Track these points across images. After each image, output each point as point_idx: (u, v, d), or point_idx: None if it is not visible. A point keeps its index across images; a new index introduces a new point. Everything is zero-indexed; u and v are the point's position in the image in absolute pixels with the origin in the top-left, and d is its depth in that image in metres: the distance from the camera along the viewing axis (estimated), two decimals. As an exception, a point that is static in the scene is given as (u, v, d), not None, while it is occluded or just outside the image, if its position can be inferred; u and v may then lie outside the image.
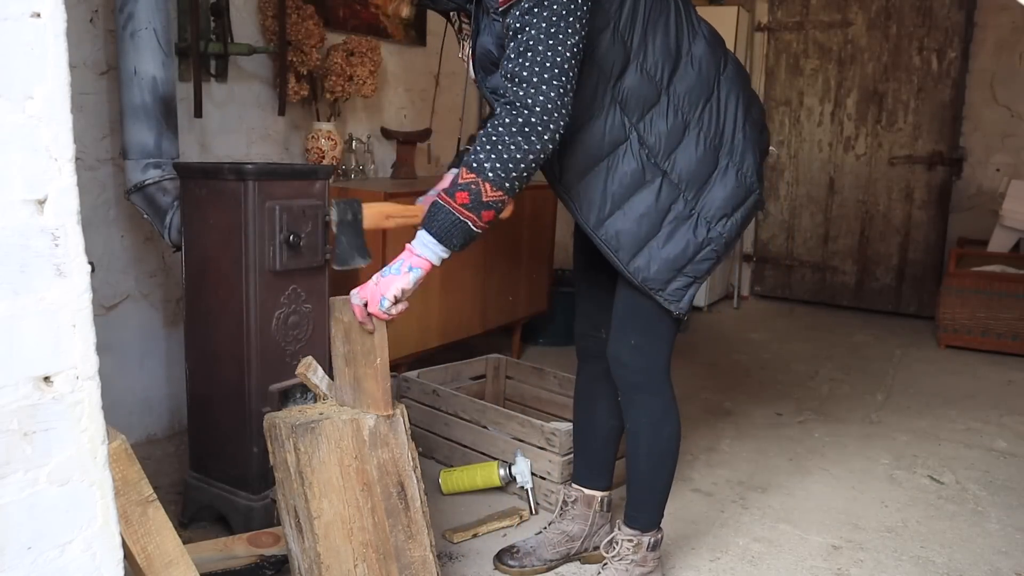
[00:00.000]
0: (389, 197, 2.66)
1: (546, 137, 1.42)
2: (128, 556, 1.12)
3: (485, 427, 2.43)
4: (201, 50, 2.48)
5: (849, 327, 4.62)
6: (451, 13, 1.67)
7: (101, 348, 0.88)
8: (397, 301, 1.46)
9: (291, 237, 1.92)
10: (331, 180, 2.19)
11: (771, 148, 1.77)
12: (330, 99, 2.96)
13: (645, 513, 1.83)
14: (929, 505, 2.42)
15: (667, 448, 1.80)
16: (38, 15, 0.79)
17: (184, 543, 1.22)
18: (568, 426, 2.27)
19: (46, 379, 0.84)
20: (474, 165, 1.43)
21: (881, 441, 2.89)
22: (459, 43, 1.71)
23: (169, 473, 2.35)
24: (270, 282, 1.93)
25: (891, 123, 4.80)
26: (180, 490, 2.17)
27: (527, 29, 1.41)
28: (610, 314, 1.79)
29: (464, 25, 1.64)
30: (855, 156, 4.94)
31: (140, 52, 2.13)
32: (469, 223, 1.44)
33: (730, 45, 3.00)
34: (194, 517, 2.09)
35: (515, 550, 1.97)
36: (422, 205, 1.79)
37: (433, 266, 1.47)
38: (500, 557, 1.97)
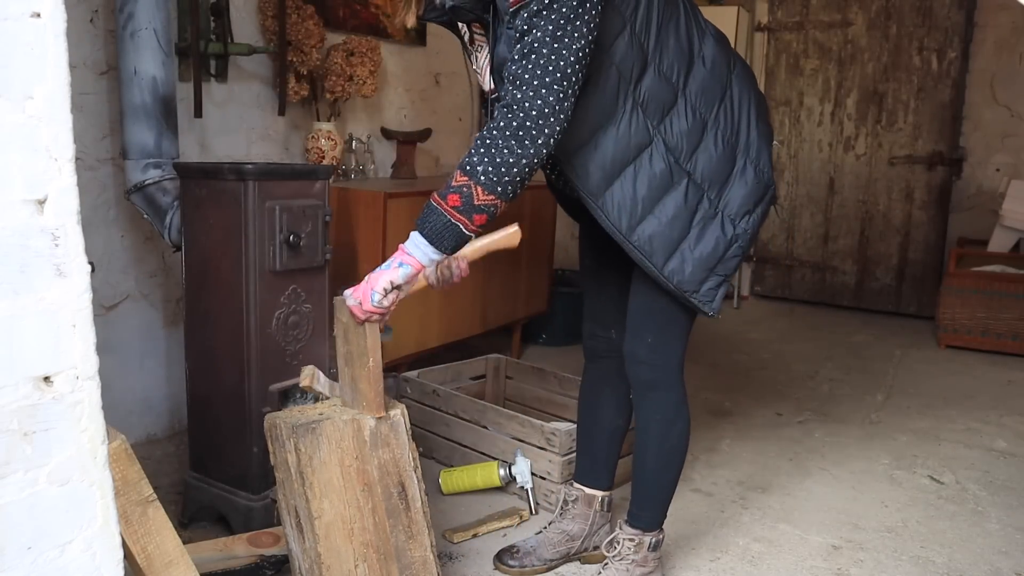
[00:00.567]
0: (389, 197, 2.67)
1: (540, 142, 1.40)
2: (128, 556, 1.12)
3: (485, 427, 2.43)
4: (201, 50, 2.48)
5: (849, 327, 4.62)
6: (461, 25, 1.63)
7: (101, 348, 0.88)
8: (387, 293, 1.45)
9: (291, 237, 1.92)
10: (331, 180, 2.19)
11: (775, 142, 1.77)
12: (330, 99, 2.96)
13: (649, 512, 1.83)
14: (929, 505, 2.42)
15: (676, 446, 1.81)
16: (38, 15, 0.79)
17: (184, 543, 1.22)
18: (568, 426, 2.27)
19: (46, 379, 0.84)
20: (467, 167, 1.42)
21: (881, 441, 2.89)
22: (466, 56, 1.68)
23: (169, 473, 2.35)
24: (270, 282, 1.93)
25: (891, 123, 4.80)
26: (180, 490, 2.17)
27: (533, 31, 1.39)
28: (621, 314, 1.79)
29: (477, 36, 1.61)
30: (855, 156, 4.94)
31: (140, 52, 2.13)
32: (461, 226, 1.42)
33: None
34: (194, 517, 2.09)
35: (515, 550, 1.97)
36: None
37: (424, 267, 1.46)
38: (500, 557, 1.97)
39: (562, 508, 2.01)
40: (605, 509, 2.02)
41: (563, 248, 4.33)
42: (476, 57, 1.64)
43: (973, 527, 2.29)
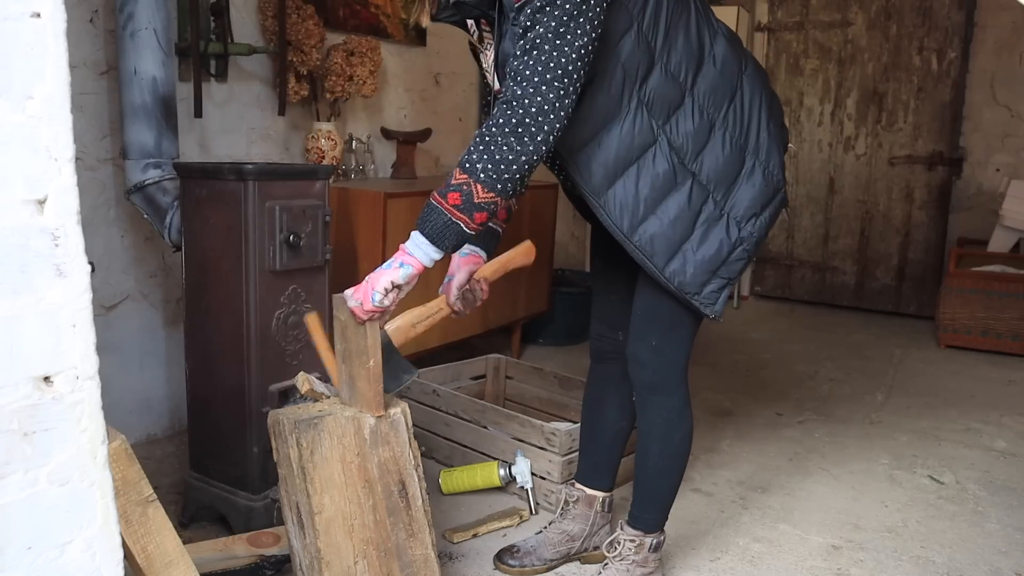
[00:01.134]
0: (389, 197, 2.67)
1: (539, 139, 1.40)
2: (128, 556, 1.12)
3: (485, 427, 2.43)
4: (201, 50, 2.48)
5: (849, 327, 4.62)
6: (470, 22, 1.62)
7: (101, 348, 0.88)
8: (388, 293, 1.44)
9: (291, 237, 1.92)
10: (331, 180, 2.19)
11: (789, 145, 1.76)
12: (330, 99, 2.96)
13: (650, 514, 1.83)
14: (929, 505, 2.42)
15: (678, 450, 1.80)
16: (38, 15, 0.79)
17: (184, 543, 1.22)
18: (568, 426, 2.27)
19: (46, 379, 0.84)
20: (466, 165, 1.41)
21: (881, 441, 2.89)
22: (474, 54, 1.67)
23: (169, 473, 2.35)
24: (270, 282, 1.93)
25: (891, 123, 4.80)
26: (180, 490, 2.17)
27: (536, 27, 1.38)
28: (628, 316, 1.78)
29: (485, 33, 1.60)
30: (855, 156, 4.94)
31: (140, 52, 2.13)
32: (461, 224, 1.41)
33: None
34: (194, 517, 2.09)
35: (515, 550, 1.97)
36: (443, 296, 1.70)
37: (425, 267, 1.45)
38: (500, 557, 1.97)
39: (563, 508, 2.01)
40: (606, 510, 2.02)
41: (563, 248, 4.33)
42: (485, 56, 1.63)
43: (973, 527, 2.28)
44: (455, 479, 2.32)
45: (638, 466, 1.82)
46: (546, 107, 1.39)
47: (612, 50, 1.48)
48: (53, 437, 0.85)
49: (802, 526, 2.26)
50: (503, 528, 2.15)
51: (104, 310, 2.41)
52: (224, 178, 1.90)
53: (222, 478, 2.02)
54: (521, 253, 1.64)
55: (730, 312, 4.91)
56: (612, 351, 1.91)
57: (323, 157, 2.89)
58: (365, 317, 1.46)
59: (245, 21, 2.72)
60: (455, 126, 3.78)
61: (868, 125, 4.87)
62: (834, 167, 5.01)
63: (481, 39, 1.61)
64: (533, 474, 2.26)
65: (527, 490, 2.25)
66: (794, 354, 4.02)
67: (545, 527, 2.02)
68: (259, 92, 2.81)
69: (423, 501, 1.58)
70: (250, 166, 1.88)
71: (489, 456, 2.38)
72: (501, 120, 1.40)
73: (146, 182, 2.17)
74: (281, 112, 2.77)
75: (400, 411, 1.57)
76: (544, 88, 1.38)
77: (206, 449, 2.06)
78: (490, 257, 1.74)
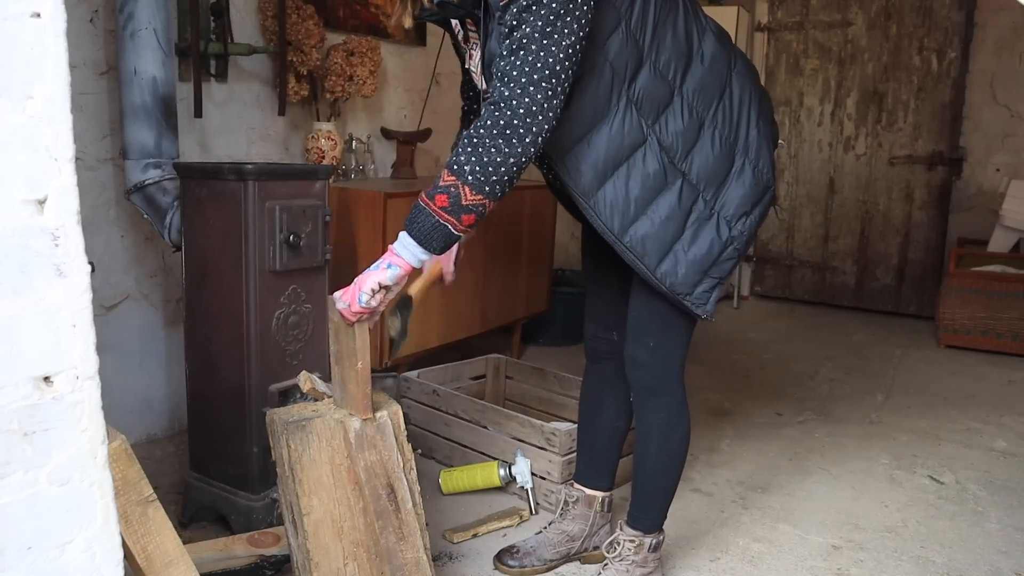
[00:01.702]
0: (389, 197, 2.67)
1: (528, 140, 1.38)
2: (128, 556, 1.12)
3: (485, 427, 2.43)
4: (201, 50, 2.48)
5: (849, 327, 4.62)
6: (454, 22, 1.60)
7: (101, 348, 0.88)
8: (375, 294, 1.43)
9: (291, 237, 1.92)
10: (331, 180, 2.19)
11: (780, 140, 1.74)
12: (330, 99, 2.96)
13: (649, 515, 1.83)
14: (929, 505, 2.42)
15: (676, 451, 1.80)
16: (38, 15, 0.79)
17: (184, 543, 1.22)
18: (568, 426, 2.27)
19: (46, 379, 0.84)
20: (455, 167, 1.39)
21: (881, 441, 2.89)
22: (459, 54, 1.66)
23: (169, 473, 2.35)
24: (270, 282, 1.93)
25: (891, 123, 4.80)
26: (180, 490, 2.17)
27: (522, 27, 1.37)
28: (621, 316, 1.78)
29: (471, 33, 1.58)
30: (855, 156, 4.94)
31: (140, 52, 2.13)
32: (449, 226, 1.40)
33: (730, 45, 2.98)
34: (194, 517, 2.09)
35: (515, 550, 1.97)
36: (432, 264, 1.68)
37: (413, 268, 1.44)
38: (500, 557, 1.97)
39: (562, 508, 2.01)
40: (605, 510, 2.02)
41: (563, 248, 4.32)
42: (471, 56, 1.61)
43: (973, 527, 2.28)
44: (455, 479, 2.31)
45: (637, 466, 1.82)
46: (534, 108, 1.37)
47: (600, 49, 1.47)
48: (53, 437, 0.85)
49: (802, 526, 2.26)
50: (503, 528, 2.15)
51: (104, 310, 2.41)
52: (224, 178, 1.90)
53: (222, 478, 2.02)
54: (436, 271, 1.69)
55: (730, 312, 4.91)
56: (607, 351, 1.91)
57: (323, 157, 2.89)
58: (353, 319, 1.45)
59: (245, 21, 2.72)
60: (455, 126, 3.77)
61: (868, 125, 4.87)
62: (834, 167, 5.01)
63: (467, 39, 1.60)
64: (533, 474, 2.26)
65: (527, 490, 2.25)
66: (794, 354, 4.02)
67: (545, 527, 2.02)
68: (259, 92, 2.81)
69: (415, 504, 1.56)
70: (250, 166, 1.88)
71: (489, 456, 2.38)
72: (489, 122, 1.39)
73: (146, 182, 2.17)
74: (281, 112, 2.77)
75: (388, 414, 1.55)
76: (532, 89, 1.37)
77: (206, 449, 2.06)
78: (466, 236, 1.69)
